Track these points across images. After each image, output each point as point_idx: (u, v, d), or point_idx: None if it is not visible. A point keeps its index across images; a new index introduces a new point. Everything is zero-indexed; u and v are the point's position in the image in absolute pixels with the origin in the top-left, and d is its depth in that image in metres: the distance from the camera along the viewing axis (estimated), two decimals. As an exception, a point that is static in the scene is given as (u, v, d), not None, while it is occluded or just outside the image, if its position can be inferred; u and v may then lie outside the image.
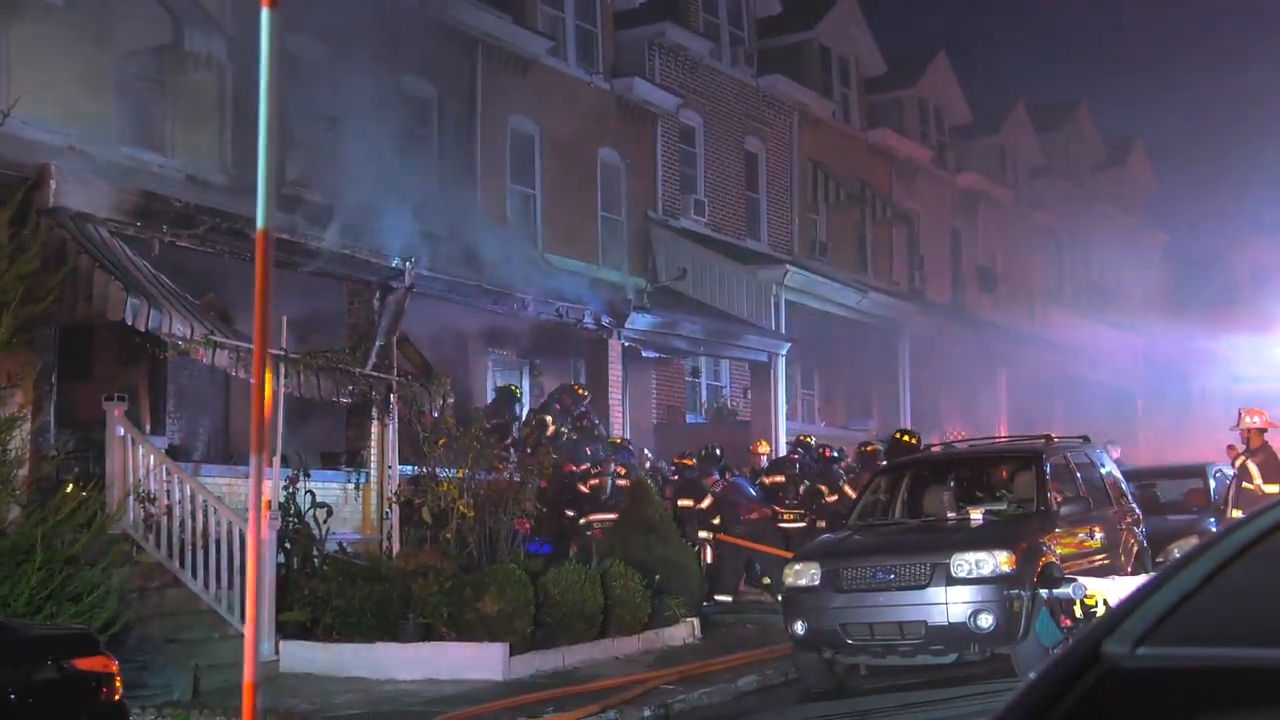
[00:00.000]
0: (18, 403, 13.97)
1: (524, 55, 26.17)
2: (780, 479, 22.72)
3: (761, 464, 23.43)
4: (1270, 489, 18.43)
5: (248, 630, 4.03)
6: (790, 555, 17.74)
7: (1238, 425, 19.18)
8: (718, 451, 23.17)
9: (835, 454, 23.78)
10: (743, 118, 32.94)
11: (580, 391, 23.58)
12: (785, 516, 22.00)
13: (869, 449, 24.18)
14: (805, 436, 25.20)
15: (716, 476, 22.20)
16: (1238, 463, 19.08)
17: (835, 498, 21.82)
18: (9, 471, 13.13)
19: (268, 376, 4.34)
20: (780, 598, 15.58)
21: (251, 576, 3.98)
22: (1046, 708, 2.00)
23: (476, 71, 25.23)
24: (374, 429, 18.77)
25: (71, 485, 14.29)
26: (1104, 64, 74.85)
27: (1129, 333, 43.11)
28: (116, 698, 7.75)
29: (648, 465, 23.28)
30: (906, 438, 23.24)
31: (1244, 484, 18.90)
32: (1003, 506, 15.65)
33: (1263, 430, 18.90)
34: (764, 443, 24.66)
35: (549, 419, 22.15)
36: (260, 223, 4.08)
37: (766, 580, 21.11)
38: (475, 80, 25.24)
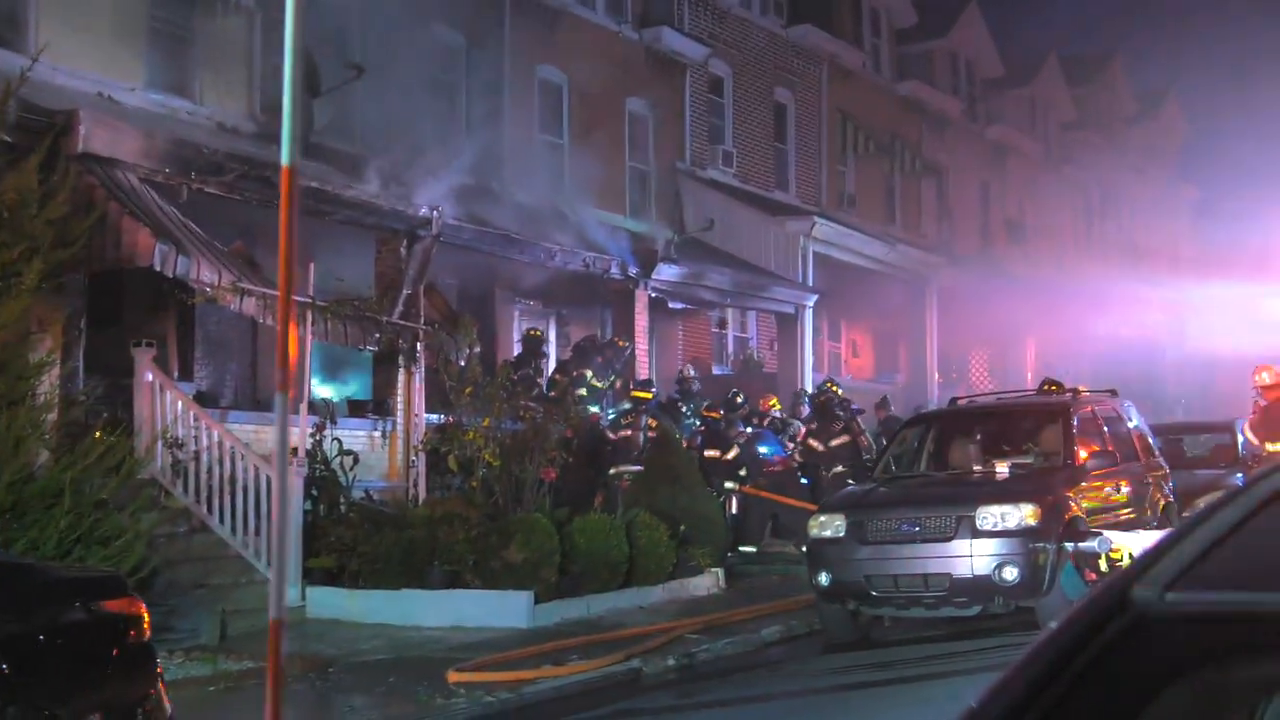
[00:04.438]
0: (47, 348, 14.02)
1: (552, 4, 26.03)
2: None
3: (774, 415, 23.46)
4: (1272, 447, 18.40)
5: (274, 563, 4.06)
6: (813, 507, 17.76)
7: (1253, 383, 19.16)
8: (739, 399, 23.21)
9: (855, 407, 23.95)
10: (772, 68, 32.74)
11: (621, 344, 23.52)
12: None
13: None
14: (833, 384, 25.16)
15: (741, 428, 22.24)
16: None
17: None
18: (38, 416, 13.18)
19: (292, 322, 4.35)
20: (805, 549, 15.60)
21: (276, 496, 3.99)
22: (1073, 652, 2.00)
23: (505, 21, 25.11)
24: (401, 377, 18.81)
25: (100, 430, 14.34)
26: (1138, 16, 74.07)
27: (1158, 287, 42.87)
28: (145, 639, 7.81)
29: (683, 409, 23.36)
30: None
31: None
32: (1029, 460, 15.61)
33: (1274, 386, 18.84)
34: (774, 398, 24.69)
35: (589, 373, 22.12)
36: (285, 159, 4.07)
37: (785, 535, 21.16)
38: (504, 30, 25.13)
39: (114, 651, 7.61)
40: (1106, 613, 2.03)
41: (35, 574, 7.92)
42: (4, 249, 12.72)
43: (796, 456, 22.33)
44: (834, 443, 21.85)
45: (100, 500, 13.17)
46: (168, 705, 7.80)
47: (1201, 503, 17.32)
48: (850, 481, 19.42)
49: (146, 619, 7.88)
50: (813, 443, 22.20)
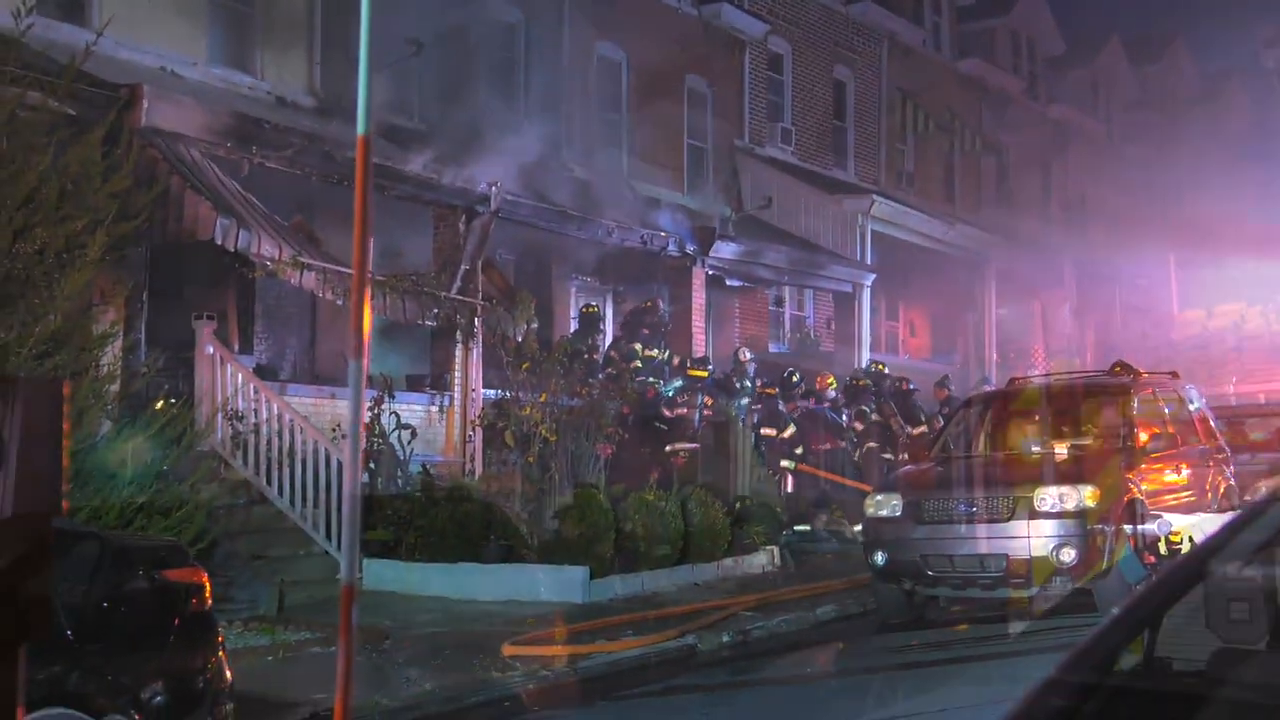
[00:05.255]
0: (109, 320, 14.14)
1: (612, -20, 25.99)
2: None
3: (829, 396, 23.40)
4: None
5: (347, 510, 4.06)
6: (867, 488, 17.72)
7: None
8: (795, 378, 23.17)
9: (912, 386, 23.91)
10: (831, 45, 32.58)
11: (648, 305, 23.51)
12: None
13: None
14: (879, 365, 25.18)
15: (797, 403, 22.22)
16: None
17: (920, 430, 22.06)
18: (101, 387, 13.28)
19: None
20: (860, 528, 15.57)
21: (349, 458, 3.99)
22: (1157, 616, 1.99)
23: (564, -4, 25.10)
24: (458, 352, 18.88)
25: (161, 402, 14.47)
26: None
27: (1219, 269, 42.37)
28: (206, 609, 7.87)
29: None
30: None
31: None
32: (1088, 441, 15.49)
33: None
34: (830, 377, 24.67)
35: (638, 346, 22.12)
36: (361, 128, 4.08)
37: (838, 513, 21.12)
38: (562, 6, 25.09)
39: (175, 620, 7.67)
40: (1186, 584, 2.02)
41: (98, 542, 7.98)
42: (68, 221, 12.81)
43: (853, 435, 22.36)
44: (874, 418, 22.05)
45: (161, 471, 13.29)
46: (228, 674, 7.87)
47: (1263, 485, 17.22)
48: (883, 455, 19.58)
49: (208, 589, 7.94)
50: (856, 424, 22.33)
